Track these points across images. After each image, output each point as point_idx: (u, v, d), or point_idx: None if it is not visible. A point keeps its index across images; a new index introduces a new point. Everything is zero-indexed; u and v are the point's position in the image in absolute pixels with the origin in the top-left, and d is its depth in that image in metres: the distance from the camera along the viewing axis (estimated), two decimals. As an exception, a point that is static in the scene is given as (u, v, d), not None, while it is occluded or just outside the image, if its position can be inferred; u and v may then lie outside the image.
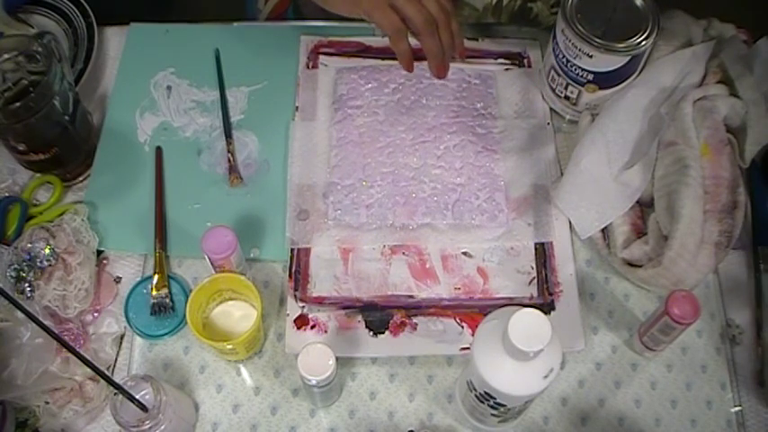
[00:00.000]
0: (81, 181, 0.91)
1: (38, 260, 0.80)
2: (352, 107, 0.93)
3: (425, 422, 0.79)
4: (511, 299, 0.83)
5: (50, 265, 0.80)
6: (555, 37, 0.87)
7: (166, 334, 0.82)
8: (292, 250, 0.85)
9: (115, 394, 0.67)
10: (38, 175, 0.89)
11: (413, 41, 0.98)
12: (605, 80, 0.86)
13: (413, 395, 0.80)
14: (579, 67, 0.85)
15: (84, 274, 0.81)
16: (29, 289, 0.79)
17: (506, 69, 0.98)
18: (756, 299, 0.84)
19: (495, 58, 0.98)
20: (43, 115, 0.80)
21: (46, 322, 0.77)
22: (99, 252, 0.86)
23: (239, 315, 0.81)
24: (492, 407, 0.68)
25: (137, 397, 0.67)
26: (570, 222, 0.86)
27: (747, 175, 0.87)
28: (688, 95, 0.83)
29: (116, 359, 0.81)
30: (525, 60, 0.98)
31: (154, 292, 0.82)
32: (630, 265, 0.83)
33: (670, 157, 0.82)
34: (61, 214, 0.85)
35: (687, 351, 0.82)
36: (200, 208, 0.88)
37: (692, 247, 0.78)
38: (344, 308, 0.83)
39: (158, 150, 0.92)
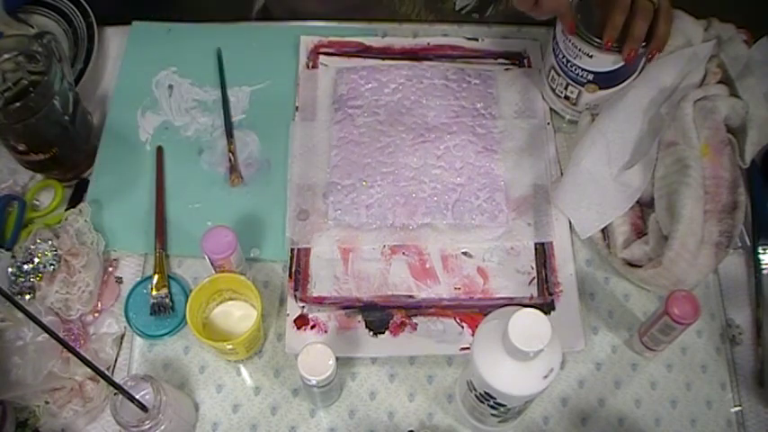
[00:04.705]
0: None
1: (40, 264, 0.80)
2: (352, 107, 0.93)
3: (425, 422, 0.79)
4: (511, 299, 0.83)
5: (54, 269, 0.80)
6: (555, 37, 0.87)
7: (166, 334, 0.82)
8: (292, 250, 0.85)
9: (115, 394, 0.67)
10: (39, 176, 0.90)
11: (409, 41, 0.99)
12: (605, 80, 0.86)
13: (413, 395, 0.80)
14: (579, 67, 0.85)
15: (88, 277, 0.81)
16: (29, 296, 0.79)
17: (506, 69, 0.98)
18: (756, 299, 0.84)
19: (495, 58, 0.98)
20: (43, 115, 0.80)
21: (50, 318, 0.78)
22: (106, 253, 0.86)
23: (239, 315, 0.81)
24: (492, 407, 0.68)
25: (137, 397, 0.67)
26: (570, 222, 0.86)
27: (747, 176, 0.87)
28: (688, 95, 0.83)
29: (116, 359, 0.81)
30: (525, 60, 0.98)
31: (154, 292, 0.82)
32: (630, 265, 0.83)
33: (670, 157, 0.82)
34: (60, 221, 0.85)
35: (687, 351, 0.82)
36: (201, 207, 0.88)
37: (693, 248, 0.78)
38: (344, 308, 0.83)
39: (159, 150, 0.92)
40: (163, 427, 0.69)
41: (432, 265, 0.85)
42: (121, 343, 0.82)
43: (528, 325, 0.61)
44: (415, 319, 0.82)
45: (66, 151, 0.87)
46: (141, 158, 0.92)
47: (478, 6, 1.01)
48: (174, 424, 0.71)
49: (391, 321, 0.82)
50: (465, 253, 0.86)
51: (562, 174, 0.89)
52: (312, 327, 0.82)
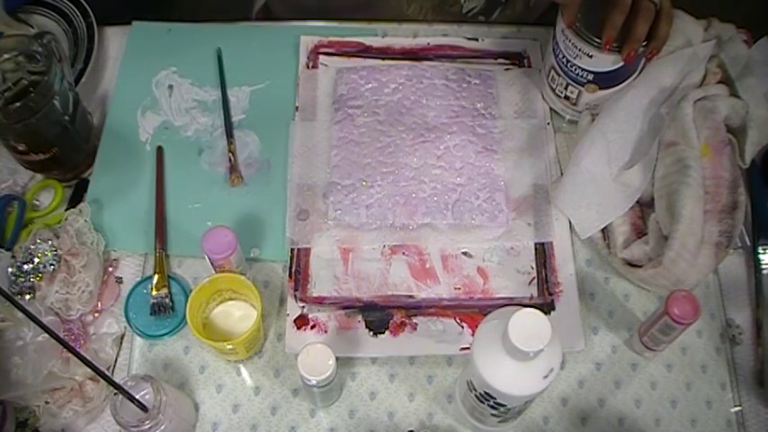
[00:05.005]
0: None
1: (40, 264, 0.80)
2: (352, 107, 0.93)
3: (425, 422, 0.79)
4: (511, 299, 0.83)
5: (54, 268, 0.80)
6: (555, 37, 0.87)
7: (166, 334, 0.82)
8: (292, 250, 0.85)
9: (115, 394, 0.67)
10: (39, 176, 0.90)
11: (409, 41, 0.99)
12: (605, 80, 0.86)
13: (413, 395, 0.80)
14: (579, 67, 0.85)
15: (88, 276, 0.81)
16: (29, 296, 0.80)
17: (506, 69, 0.98)
18: (756, 299, 0.84)
19: (495, 58, 0.98)
20: (43, 115, 0.80)
21: (50, 318, 0.78)
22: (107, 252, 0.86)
23: (239, 315, 0.81)
24: (492, 407, 0.68)
25: (137, 397, 0.67)
26: (570, 222, 0.86)
27: (747, 175, 0.87)
28: (688, 95, 0.83)
29: (116, 359, 0.81)
30: (525, 60, 0.98)
31: (154, 292, 0.82)
32: (630, 265, 0.83)
33: (670, 157, 0.82)
34: (60, 221, 0.85)
35: (687, 351, 0.82)
36: (201, 207, 0.88)
37: (693, 248, 0.78)
38: (344, 308, 0.83)
39: (159, 150, 0.92)
40: (163, 427, 0.69)
41: (432, 265, 0.85)
42: (121, 343, 0.82)
43: (528, 325, 0.61)
44: (415, 319, 0.82)
45: (67, 151, 0.87)
46: (141, 158, 0.92)
47: (485, 9, 1.02)
48: (174, 424, 0.71)
49: (391, 321, 0.82)
50: (465, 253, 0.86)
51: (562, 174, 0.89)
52: (312, 327, 0.82)
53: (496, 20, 1.03)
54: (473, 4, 1.01)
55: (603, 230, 0.85)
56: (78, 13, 0.98)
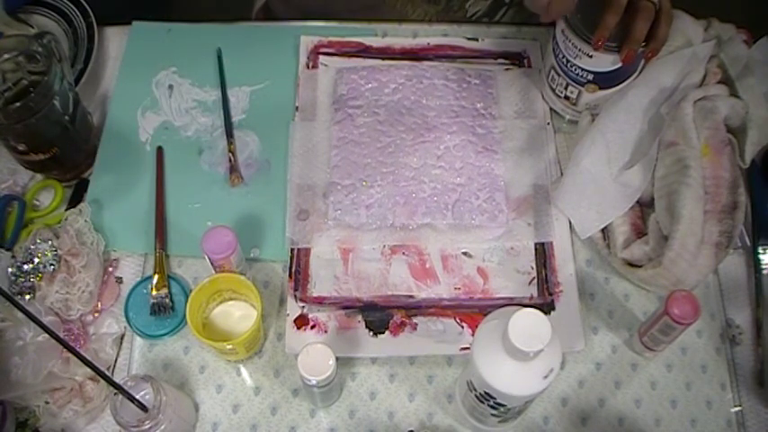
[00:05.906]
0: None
1: (40, 264, 0.80)
2: (352, 107, 0.93)
3: (425, 422, 0.79)
4: (511, 299, 0.83)
5: (54, 269, 0.80)
6: (555, 37, 0.87)
7: (166, 334, 0.82)
8: (292, 250, 0.85)
9: (115, 394, 0.67)
10: (39, 176, 0.90)
11: (409, 41, 0.99)
12: (605, 80, 0.86)
13: (413, 395, 0.80)
14: (579, 67, 0.85)
15: (88, 277, 0.81)
16: (29, 296, 0.80)
17: (506, 69, 0.98)
18: (756, 299, 0.84)
19: (495, 58, 0.98)
20: (43, 115, 0.80)
21: (50, 318, 0.78)
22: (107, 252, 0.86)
23: (239, 315, 0.81)
24: (492, 407, 0.69)
25: (137, 397, 0.67)
26: (570, 222, 0.86)
27: (747, 176, 0.87)
28: (688, 95, 0.83)
29: (116, 359, 0.81)
30: (525, 60, 0.98)
31: (154, 292, 0.82)
32: (630, 265, 0.83)
33: (670, 157, 0.82)
34: (60, 221, 0.85)
35: (687, 351, 0.82)
36: (201, 207, 0.88)
37: (693, 248, 0.78)
38: (344, 308, 0.83)
39: (159, 150, 0.92)
40: (163, 427, 0.69)
41: (432, 265, 0.85)
42: (121, 343, 0.82)
43: (528, 325, 0.61)
44: (415, 319, 0.82)
45: (67, 151, 0.87)
46: (141, 158, 0.92)
47: (488, 11, 1.02)
48: (174, 424, 0.71)
49: (391, 321, 0.82)
50: (465, 253, 0.86)
51: (562, 174, 0.89)
52: (312, 327, 0.82)
53: (500, 21, 1.04)
54: (477, 6, 1.01)
55: (603, 230, 0.85)
56: (78, 13, 0.98)
